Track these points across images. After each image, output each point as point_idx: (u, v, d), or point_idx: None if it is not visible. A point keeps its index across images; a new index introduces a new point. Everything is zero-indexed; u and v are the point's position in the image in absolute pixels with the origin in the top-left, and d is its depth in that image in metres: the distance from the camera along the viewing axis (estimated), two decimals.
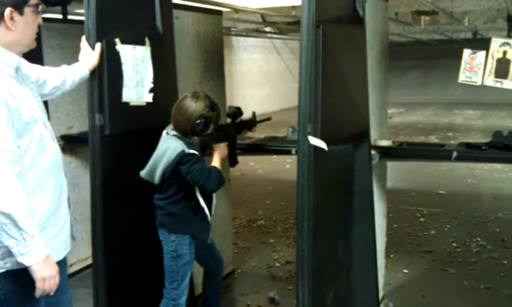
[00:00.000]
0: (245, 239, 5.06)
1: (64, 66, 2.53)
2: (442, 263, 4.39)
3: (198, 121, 2.62)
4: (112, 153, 2.78)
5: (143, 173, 2.71)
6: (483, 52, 3.05)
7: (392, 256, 4.37)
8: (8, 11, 1.90)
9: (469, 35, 12.21)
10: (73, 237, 2.26)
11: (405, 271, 4.21)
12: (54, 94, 2.46)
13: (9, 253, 1.88)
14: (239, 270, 4.30)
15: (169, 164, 2.60)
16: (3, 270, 1.92)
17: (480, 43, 3.56)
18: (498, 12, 8.92)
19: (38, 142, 1.98)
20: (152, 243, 2.81)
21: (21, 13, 1.94)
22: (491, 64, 3.02)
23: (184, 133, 2.65)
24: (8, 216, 1.79)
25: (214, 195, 2.81)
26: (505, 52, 2.99)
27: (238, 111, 2.98)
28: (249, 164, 8.39)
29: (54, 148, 2.09)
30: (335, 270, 2.79)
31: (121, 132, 2.81)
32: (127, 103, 2.79)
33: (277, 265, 4.41)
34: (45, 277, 1.90)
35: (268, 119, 3.35)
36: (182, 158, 2.58)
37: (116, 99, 2.74)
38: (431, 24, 9.40)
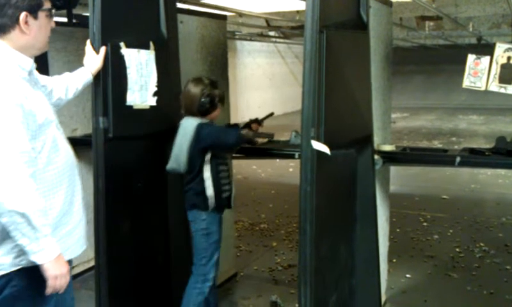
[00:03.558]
0: (247, 242, 5.06)
1: (66, 75, 2.52)
2: (445, 268, 4.38)
3: (203, 99, 2.80)
4: (116, 156, 2.79)
5: (168, 166, 2.86)
6: (487, 58, 3.04)
7: (394, 260, 4.36)
8: (23, 15, 1.92)
9: (473, 40, 12.21)
10: None
11: (408, 276, 4.21)
12: (59, 105, 2.44)
13: (23, 251, 1.90)
14: (241, 274, 4.30)
15: (191, 140, 2.77)
16: (18, 267, 1.94)
17: (485, 49, 3.56)
18: (502, 18, 8.92)
19: (52, 143, 2.01)
20: (154, 246, 2.82)
21: (35, 17, 1.96)
22: (496, 70, 3.01)
23: (195, 115, 2.84)
24: (23, 215, 1.81)
25: (233, 187, 3.01)
26: (509, 58, 2.98)
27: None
28: (252, 167, 8.39)
29: (68, 148, 2.13)
30: (337, 274, 2.79)
31: (124, 135, 2.82)
32: (130, 107, 2.80)
33: (279, 268, 4.41)
34: (57, 276, 1.93)
35: (271, 114, 3.37)
36: (200, 127, 2.79)
37: (120, 102, 2.75)
38: (436, 29, 9.39)
